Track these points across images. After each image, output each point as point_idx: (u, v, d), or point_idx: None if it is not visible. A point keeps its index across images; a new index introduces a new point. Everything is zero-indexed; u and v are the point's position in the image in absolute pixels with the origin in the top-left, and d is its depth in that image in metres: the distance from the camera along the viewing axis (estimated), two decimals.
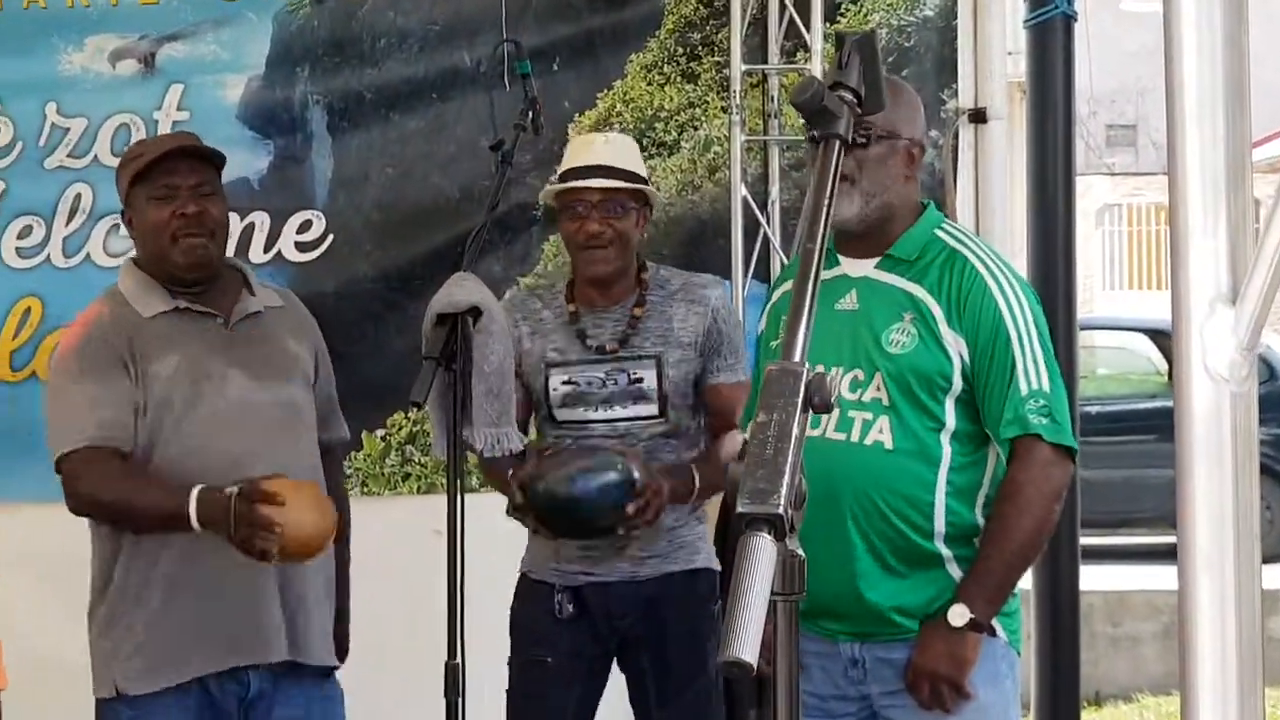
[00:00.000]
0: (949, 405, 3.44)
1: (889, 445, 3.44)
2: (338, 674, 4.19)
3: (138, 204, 3.88)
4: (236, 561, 3.82)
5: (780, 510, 1.58)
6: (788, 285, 3.65)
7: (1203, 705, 0.95)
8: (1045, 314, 3.95)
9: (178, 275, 3.86)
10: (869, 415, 3.45)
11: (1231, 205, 0.94)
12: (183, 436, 3.85)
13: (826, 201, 1.93)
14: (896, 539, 3.43)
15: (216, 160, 3.96)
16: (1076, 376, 5.00)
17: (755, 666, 1.58)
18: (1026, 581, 4.26)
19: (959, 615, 3.34)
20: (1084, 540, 5.16)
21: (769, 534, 1.57)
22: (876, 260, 3.49)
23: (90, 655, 3.97)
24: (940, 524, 3.44)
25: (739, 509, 1.60)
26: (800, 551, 1.67)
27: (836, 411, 3.43)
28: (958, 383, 3.42)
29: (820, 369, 1.87)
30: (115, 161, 4.80)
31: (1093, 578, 6.62)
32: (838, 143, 1.95)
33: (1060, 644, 5.07)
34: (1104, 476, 7.86)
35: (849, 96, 1.96)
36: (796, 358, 1.72)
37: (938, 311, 3.42)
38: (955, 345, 3.41)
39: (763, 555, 1.56)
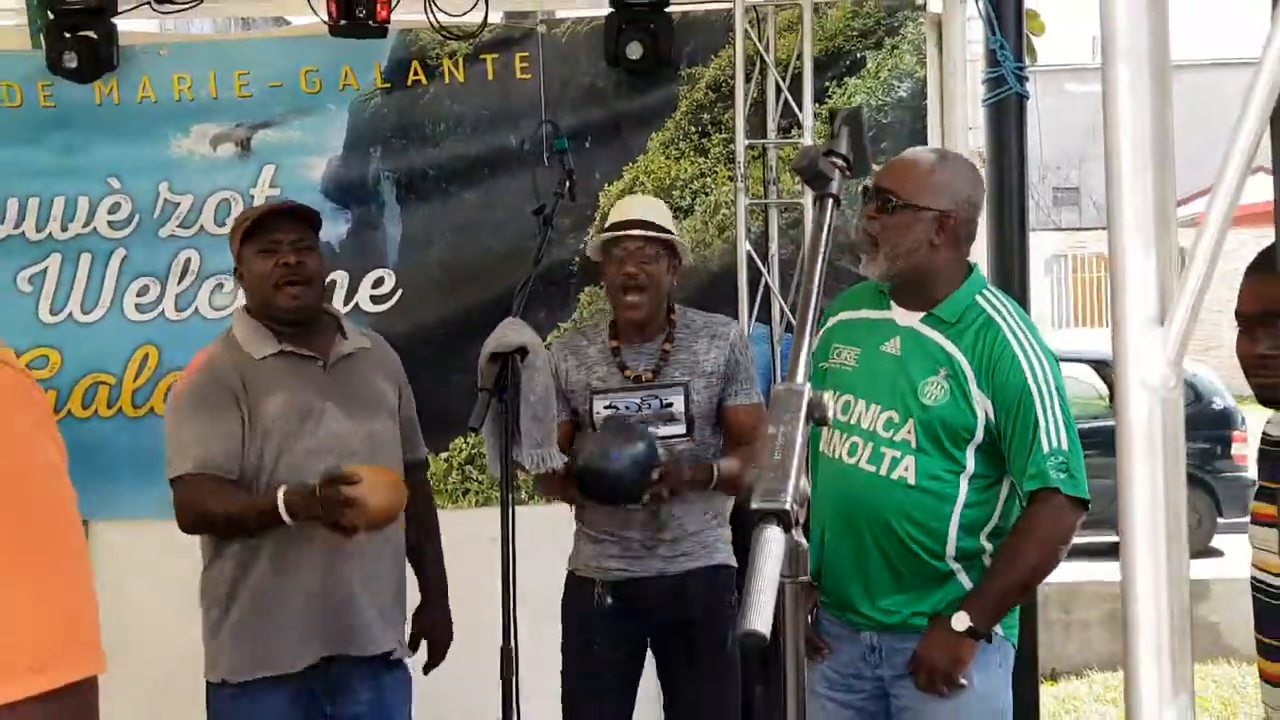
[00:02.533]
0: (970, 453, 3.43)
1: (911, 481, 3.42)
2: (407, 661, 4.16)
3: (247, 258, 3.88)
4: (326, 566, 3.87)
5: (787, 506, 1.59)
6: (842, 315, 3.65)
7: (1143, 673, 0.98)
8: None
9: (281, 318, 3.86)
10: (898, 454, 3.43)
11: (1160, 248, 0.98)
12: (286, 463, 3.85)
13: (822, 251, 1.91)
14: (910, 560, 3.44)
15: (313, 220, 3.98)
16: None
17: (767, 636, 1.57)
18: None
19: (961, 621, 3.35)
20: None
21: (778, 525, 1.58)
22: (922, 315, 3.46)
23: (203, 647, 3.99)
24: (951, 549, 3.44)
25: (753, 505, 1.61)
26: (804, 541, 1.68)
27: (871, 445, 3.44)
28: (980, 435, 3.41)
29: (824, 393, 1.84)
30: (219, 230, 5.12)
31: None
32: (831, 201, 1.96)
33: (1022, 629, 5.06)
34: None
35: (839, 162, 1.98)
36: (800, 380, 1.74)
37: (969, 372, 3.41)
38: (982, 404, 3.40)
39: (773, 543, 1.56)
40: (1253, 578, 2.80)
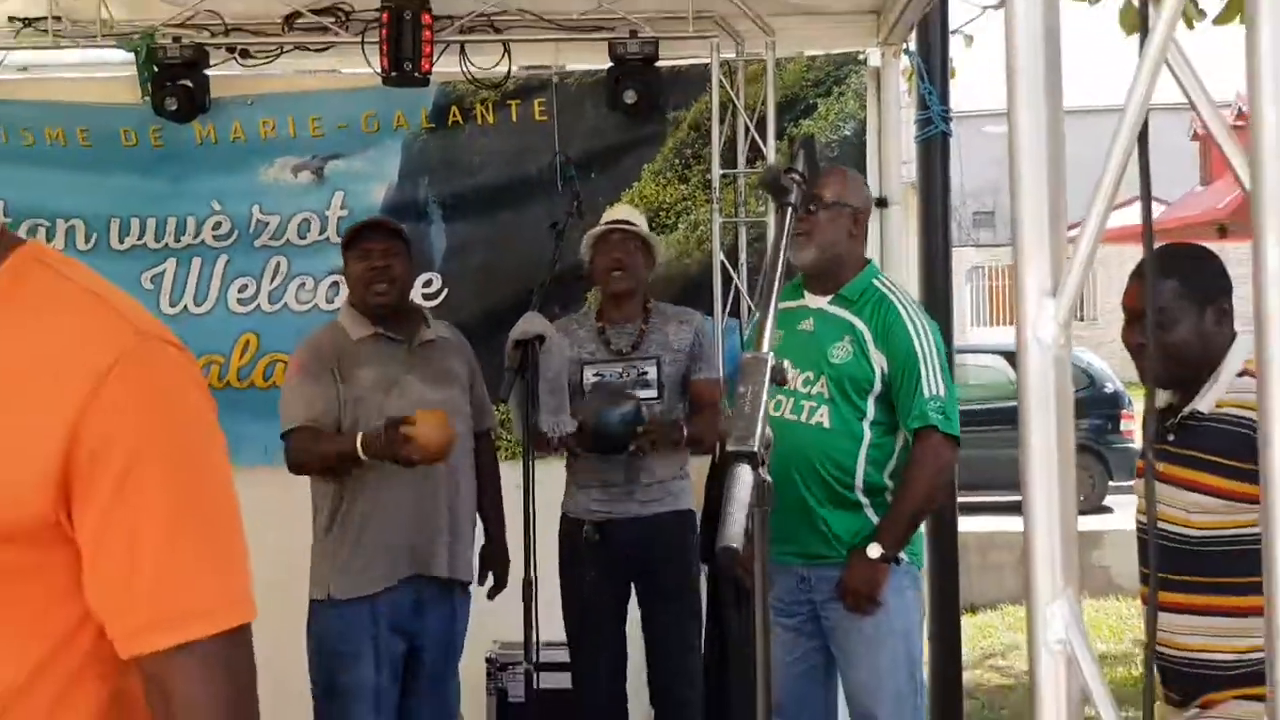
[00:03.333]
0: (870, 401, 3.44)
1: (827, 425, 3.45)
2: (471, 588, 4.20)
3: (348, 261, 3.96)
4: (413, 500, 3.91)
5: (756, 449, 1.61)
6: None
7: (1039, 570, 0.98)
8: None
9: (370, 309, 3.92)
10: (814, 404, 3.45)
11: (1053, 238, 1.01)
12: (373, 422, 3.89)
13: (783, 249, 1.96)
14: (828, 491, 3.45)
15: (399, 232, 4.04)
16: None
17: (740, 549, 1.58)
18: (925, 525, 4.19)
19: (874, 550, 3.37)
20: (962, 499, 5.24)
21: (748, 464, 1.60)
22: (830, 298, 3.49)
23: (310, 569, 4.02)
24: (859, 481, 3.45)
25: (728, 448, 1.63)
26: (769, 478, 1.68)
27: (792, 401, 3.43)
28: (878, 386, 3.42)
29: (784, 361, 1.88)
30: (301, 242, 5.26)
31: (968, 524, 6.73)
32: (790, 209, 2.01)
33: (946, 570, 5.11)
34: (975, 455, 7.85)
35: (797, 177, 2.01)
36: (765, 349, 1.75)
37: (869, 336, 3.43)
38: (878, 361, 3.42)
39: (744, 478, 1.58)
40: (1137, 523, 2.86)
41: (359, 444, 3.74)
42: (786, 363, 3.35)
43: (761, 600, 1.69)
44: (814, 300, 3.48)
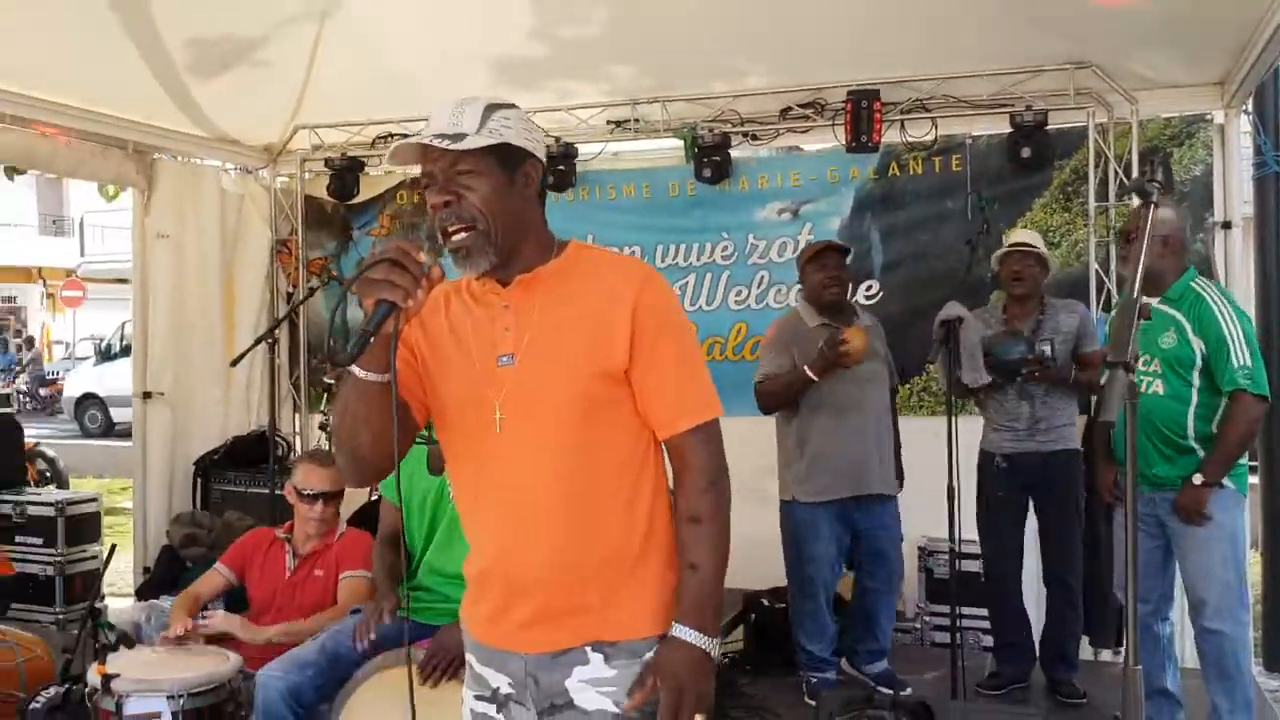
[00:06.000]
0: (1194, 374, 3.42)
1: (1161, 393, 3.48)
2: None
3: (808, 271, 4.19)
4: (855, 424, 3.99)
5: (1129, 359, 1.82)
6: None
7: None
8: (1266, 328, 4.31)
9: (822, 304, 4.15)
10: (1150, 379, 3.47)
11: None
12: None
13: (1146, 236, 2.01)
14: (1166, 439, 3.47)
15: (846, 252, 4.26)
16: None
17: (1115, 423, 1.79)
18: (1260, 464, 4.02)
19: (1198, 479, 3.39)
20: None
21: (1124, 371, 1.81)
22: (1158, 299, 3.48)
23: (778, 481, 4.12)
24: (1191, 432, 3.46)
25: (1108, 358, 1.82)
26: (1136, 381, 1.81)
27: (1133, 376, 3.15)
28: (1199, 363, 3.40)
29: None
30: (779, 260, 5.56)
31: None
32: (1152, 206, 2.04)
33: (1274, 496, 4.83)
34: None
35: (1157, 184, 2.06)
36: (1135, 295, 1.92)
37: (1188, 327, 3.43)
38: (1197, 345, 3.41)
39: (1121, 380, 1.80)
40: None
41: (806, 369, 3.90)
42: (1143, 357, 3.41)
43: (1132, 496, 1.82)
44: (1150, 299, 3.40)
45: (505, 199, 1.67)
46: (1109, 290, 5.05)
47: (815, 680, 4.27)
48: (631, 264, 1.77)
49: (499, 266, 1.69)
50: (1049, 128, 5.02)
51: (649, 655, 1.69)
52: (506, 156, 1.68)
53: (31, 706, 3.47)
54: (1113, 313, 4.58)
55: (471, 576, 1.79)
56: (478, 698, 1.80)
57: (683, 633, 1.66)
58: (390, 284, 1.51)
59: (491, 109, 1.69)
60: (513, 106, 1.73)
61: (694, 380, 1.69)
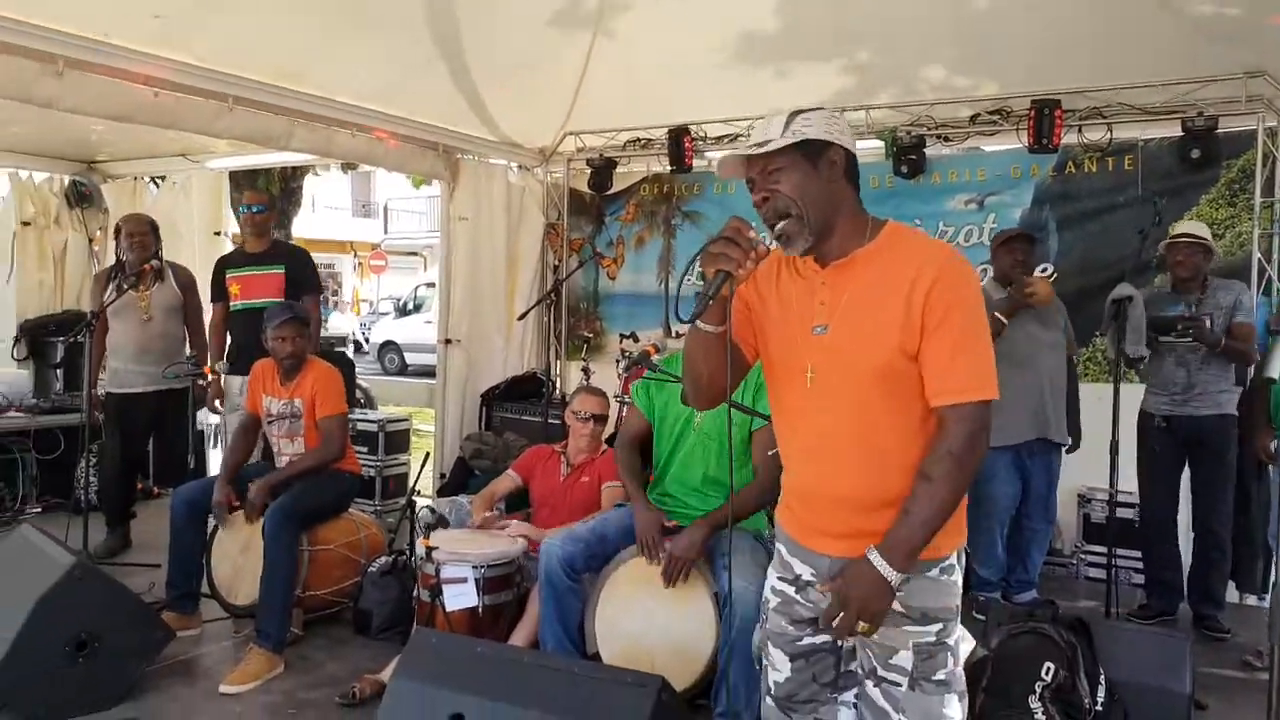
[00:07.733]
0: None
1: None
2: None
3: (998, 254, 4.35)
4: (1030, 379, 4.00)
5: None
6: None
7: None
8: None
9: (1007, 281, 4.20)
10: None
11: None
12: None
13: None
14: None
15: (1033, 239, 4.34)
16: None
17: (1277, 378, 1.76)
18: None
19: None
20: None
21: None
22: None
23: None
24: None
25: (1273, 327, 1.79)
26: None
27: None
28: None
29: None
30: (966, 244, 5.56)
31: None
32: None
33: None
34: None
35: None
36: None
37: None
38: None
39: None
40: None
41: (999, 315, 3.94)
42: None
43: None
44: None
45: (813, 184, 1.74)
46: (1270, 276, 5.03)
47: (984, 598, 4.09)
48: (937, 248, 1.77)
49: (817, 244, 1.76)
50: (1219, 131, 5.02)
51: (931, 573, 1.77)
52: (809, 150, 1.75)
53: (369, 569, 4.12)
54: (1275, 294, 4.63)
55: (788, 487, 1.89)
56: (780, 578, 1.91)
57: (874, 557, 1.71)
58: (725, 255, 1.64)
59: (794, 115, 1.76)
60: (817, 109, 1.80)
61: (966, 362, 1.68)
